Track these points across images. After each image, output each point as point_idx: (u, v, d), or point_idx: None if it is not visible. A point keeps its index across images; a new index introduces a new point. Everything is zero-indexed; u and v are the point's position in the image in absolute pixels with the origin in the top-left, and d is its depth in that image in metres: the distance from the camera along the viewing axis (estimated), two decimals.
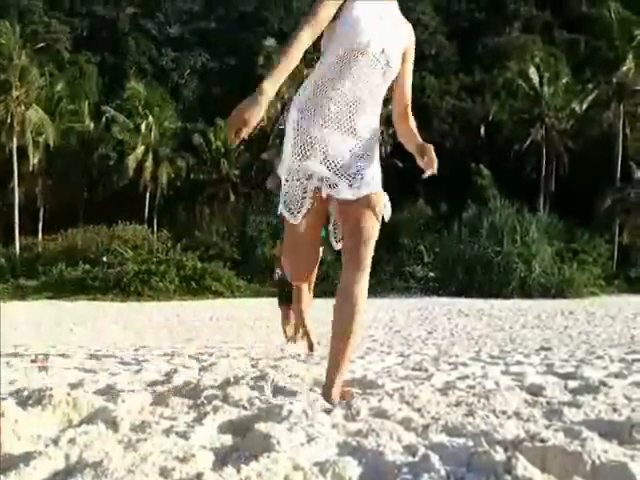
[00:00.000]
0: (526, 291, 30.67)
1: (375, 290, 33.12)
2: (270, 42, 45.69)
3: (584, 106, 41.33)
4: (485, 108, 47.01)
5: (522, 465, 1.46)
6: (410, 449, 1.66)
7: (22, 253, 38.66)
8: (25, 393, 2.55)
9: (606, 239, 36.88)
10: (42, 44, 51.40)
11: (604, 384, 2.80)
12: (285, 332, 7.12)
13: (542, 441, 1.63)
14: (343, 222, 2.55)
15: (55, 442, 1.67)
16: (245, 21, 59.22)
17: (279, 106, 40.69)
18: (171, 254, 35.35)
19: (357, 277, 2.48)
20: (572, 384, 2.89)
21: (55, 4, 62.73)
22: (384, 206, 2.59)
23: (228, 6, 63.43)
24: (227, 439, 1.80)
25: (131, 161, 41.30)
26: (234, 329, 13.86)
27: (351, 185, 2.47)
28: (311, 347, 5.82)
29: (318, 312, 6.59)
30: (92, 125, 44.76)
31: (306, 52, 2.38)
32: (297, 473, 1.49)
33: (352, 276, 2.49)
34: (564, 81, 42.68)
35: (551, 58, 44.14)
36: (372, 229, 2.51)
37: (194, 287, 33.18)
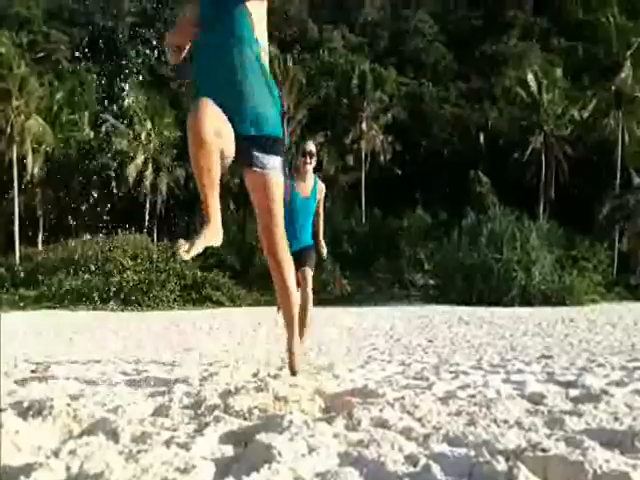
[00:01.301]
0: (526, 299, 30.65)
1: (375, 298, 33.15)
2: (271, 48, 45.89)
3: (584, 114, 41.45)
4: (484, 115, 47.10)
5: (524, 475, 1.46)
6: (411, 459, 1.66)
7: (22, 263, 38.64)
8: (25, 404, 2.55)
9: (606, 246, 36.88)
10: (42, 54, 51.58)
11: (605, 392, 2.79)
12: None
13: (543, 450, 1.63)
14: None
15: (56, 453, 1.66)
16: None
17: None
18: (171, 263, 35.35)
19: None
20: (573, 392, 2.88)
21: (54, 14, 62.94)
22: None
23: None
24: (228, 450, 1.80)
25: (131, 170, 41.34)
26: (234, 338, 13.84)
27: None
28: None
29: (317, 320, 6.57)
30: (92, 134, 44.83)
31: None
32: None
33: None
34: (562, 88, 42.79)
35: (549, 65, 44.28)
36: None
37: (194, 296, 33.17)
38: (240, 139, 3.05)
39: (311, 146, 6.02)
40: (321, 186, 5.97)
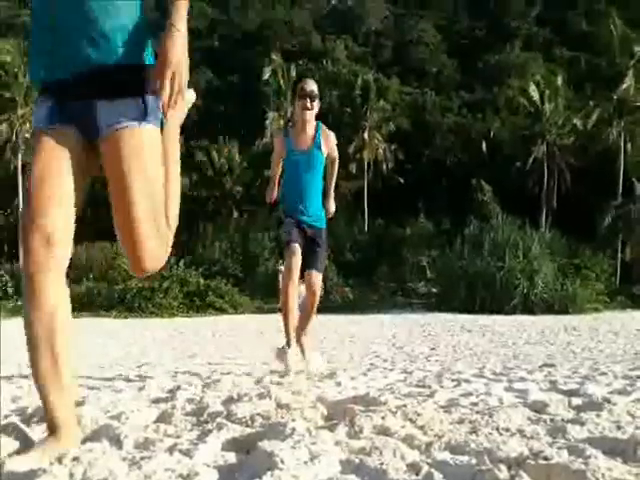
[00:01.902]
0: (529, 307, 30.57)
1: (377, 306, 33.09)
2: (276, 57, 46.23)
3: (586, 123, 41.55)
4: (486, 125, 47.19)
5: None
6: (413, 467, 1.66)
7: None
8: (29, 411, 2.56)
9: (609, 255, 36.82)
10: None
11: (608, 401, 2.79)
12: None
13: (546, 459, 1.63)
14: None
15: (59, 460, 1.67)
16: (247, 40, 59.66)
17: (282, 122, 40.89)
18: (174, 270, 35.37)
19: None
20: (576, 401, 2.87)
21: None
22: None
23: (231, 25, 63.94)
24: (231, 457, 1.81)
25: None
26: (237, 346, 13.83)
27: None
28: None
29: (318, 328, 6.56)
30: None
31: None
32: None
33: None
34: (565, 98, 42.90)
35: (552, 75, 44.42)
36: None
37: (197, 303, 33.16)
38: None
39: (312, 85, 4.70)
40: (327, 133, 4.80)
